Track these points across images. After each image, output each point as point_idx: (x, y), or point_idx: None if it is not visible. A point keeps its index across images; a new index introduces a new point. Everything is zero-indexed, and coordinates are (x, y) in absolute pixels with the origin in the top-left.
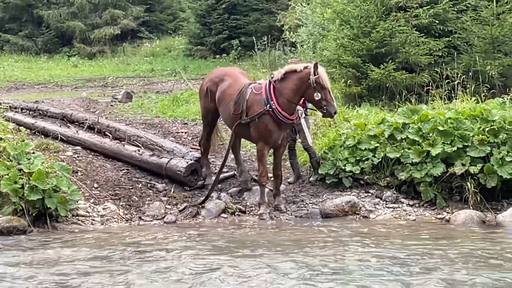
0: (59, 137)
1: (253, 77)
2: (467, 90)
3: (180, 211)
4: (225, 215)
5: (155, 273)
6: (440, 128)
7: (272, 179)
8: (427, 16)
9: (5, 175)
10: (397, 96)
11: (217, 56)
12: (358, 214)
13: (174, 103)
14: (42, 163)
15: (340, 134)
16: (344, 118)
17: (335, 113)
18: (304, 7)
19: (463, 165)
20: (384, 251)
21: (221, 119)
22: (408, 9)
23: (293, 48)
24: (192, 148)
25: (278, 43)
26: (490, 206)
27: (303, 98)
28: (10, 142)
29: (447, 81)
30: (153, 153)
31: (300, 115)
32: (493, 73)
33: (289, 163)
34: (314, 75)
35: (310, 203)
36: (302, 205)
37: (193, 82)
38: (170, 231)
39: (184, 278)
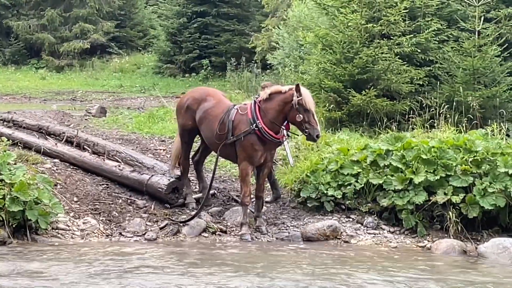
0: (40, 149)
1: (230, 98)
2: (448, 119)
3: (161, 228)
4: (206, 234)
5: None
6: (424, 156)
7: (254, 200)
8: (409, 45)
9: None
10: (378, 123)
11: (187, 75)
12: (339, 238)
13: (150, 120)
14: (24, 174)
15: (323, 158)
16: (326, 143)
17: (317, 136)
18: (281, 29)
19: (445, 194)
20: (368, 278)
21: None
22: (391, 37)
23: (267, 70)
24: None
25: (250, 65)
26: (470, 236)
27: (286, 121)
28: None
29: (427, 109)
30: (134, 169)
31: (285, 136)
32: (474, 104)
33: (268, 183)
34: (297, 96)
35: (291, 225)
36: (283, 227)
37: (165, 99)
38: (150, 248)
39: None
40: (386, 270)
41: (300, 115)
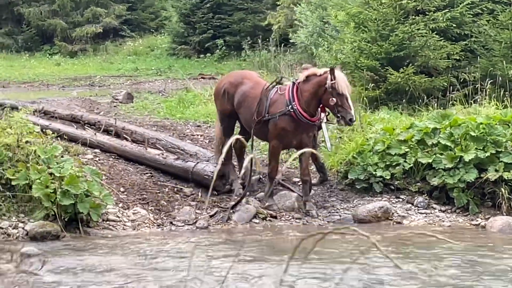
0: (78, 139)
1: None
2: (486, 94)
3: (210, 216)
4: (256, 220)
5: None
6: (472, 133)
7: (300, 184)
8: (444, 20)
9: (37, 179)
10: (417, 100)
11: (201, 55)
12: (391, 220)
13: (180, 104)
14: (72, 167)
15: (368, 139)
16: (368, 122)
17: (350, 120)
18: (303, 7)
19: (496, 171)
20: (435, 257)
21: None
22: (426, 13)
23: (290, 49)
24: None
25: (269, 43)
26: None
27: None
28: (40, 145)
29: (466, 85)
30: (178, 157)
31: (321, 119)
32: None
33: (314, 167)
34: (331, 80)
35: (341, 208)
36: (333, 211)
37: (183, 81)
38: (205, 237)
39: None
40: (451, 249)
41: (333, 98)
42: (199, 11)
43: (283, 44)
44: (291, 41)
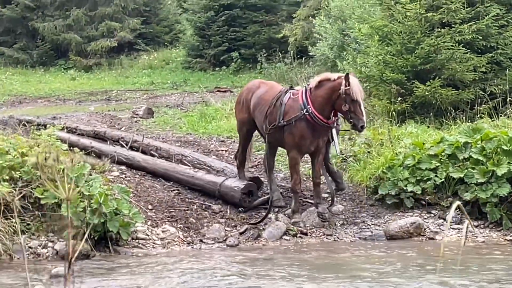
0: (108, 155)
1: None
2: None
3: (240, 233)
4: (287, 237)
5: None
6: (505, 147)
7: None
8: (470, 32)
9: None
10: (444, 113)
11: (217, 68)
12: (423, 235)
13: (202, 119)
14: (100, 185)
15: (397, 153)
16: (396, 137)
17: (361, 127)
18: (322, 20)
19: None
20: (476, 277)
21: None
22: (452, 25)
23: (309, 62)
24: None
25: (285, 56)
26: None
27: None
28: (68, 164)
29: (493, 97)
30: (209, 171)
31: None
32: None
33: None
34: (345, 86)
35: (372, 224)
36: (364, 226)
37: (199, 95)
38: (237, 254)
39: None
40: (489, 268)
41: (347, 104)
42: (214, 24)
43: (299, 57)
44: (310, 53)
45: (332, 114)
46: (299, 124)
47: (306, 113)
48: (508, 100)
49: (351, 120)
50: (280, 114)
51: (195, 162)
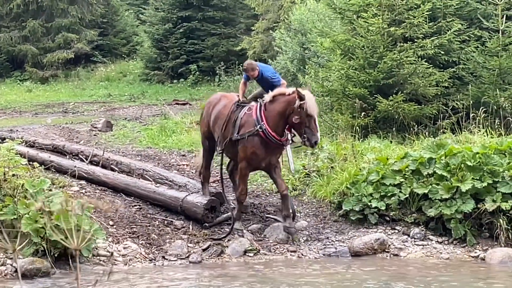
0: (73, 172)
1: None
2: (477, 122)
3: (203, 249)
4: (250, 254)
5: None
6: (469, 163)
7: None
8: (432, 47)
9: (25, 214)
10: (409, 128)
11: (175, 81)
12: (387, 252)
13: (162, 133)
14: (61, 201)
15: (361, 169)
16: (359, 152)
17: (315, 142)
18: (283, 33)
19: (494, 201)
20: None
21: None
22: (414, 40)
23: None
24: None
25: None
26: None
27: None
28: (28, 179)
29: (453, 112)
30: (171, 187)
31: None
32: (506, 105)
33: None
34: (300, 100)
35: (336, 240)
36: (328, 243)
37: (157, 108)
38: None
39: None
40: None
41: (299, 119)
42: (172, 37)
43: None
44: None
45: (285, 130)
46: (251, 139)
47: (259, 129)
48: (470, 115)
49: (304, 135)
50: (235, 128)
51: (157, 177)
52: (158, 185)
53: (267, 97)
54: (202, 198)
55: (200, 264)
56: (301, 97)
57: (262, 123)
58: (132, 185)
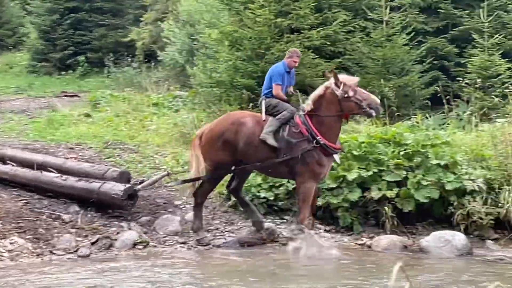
0: None
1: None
2: None
3: (92, 243)
4: (140, 246)
5: None
6: (355, 152)
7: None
8: (318, 38)
9: None
10: None
11: (63, 72)
12: (277, 241)
13: (50, 126)
14: None
15: None
16: None
17: (379, 106)
18: (171, 24)
19: (379, 189)
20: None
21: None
22: (301, 31)
23: (158, 66)
24: None
25: (134, 60)
26: (405, 230)
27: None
28: None
29: None
30: (80, 178)
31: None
32: (390, 95)
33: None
34: (337, 87)
35: (225, 231)
36: (217, 234)
37: (46, 100)
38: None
39: None
40: (344, 272)
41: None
42: (59, 28)
43: (147, 61)
44: (159, 58)
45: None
46: (311, 155)
47: (316, 145)
48: None
49: (366, 110)
50: (281, 148)
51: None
52: (65, 177)
53: (307, 106)
54: (120, 186)
55: (88, 258)
56: (338, 82)
57: (318, 137)
58: (34, 180)
